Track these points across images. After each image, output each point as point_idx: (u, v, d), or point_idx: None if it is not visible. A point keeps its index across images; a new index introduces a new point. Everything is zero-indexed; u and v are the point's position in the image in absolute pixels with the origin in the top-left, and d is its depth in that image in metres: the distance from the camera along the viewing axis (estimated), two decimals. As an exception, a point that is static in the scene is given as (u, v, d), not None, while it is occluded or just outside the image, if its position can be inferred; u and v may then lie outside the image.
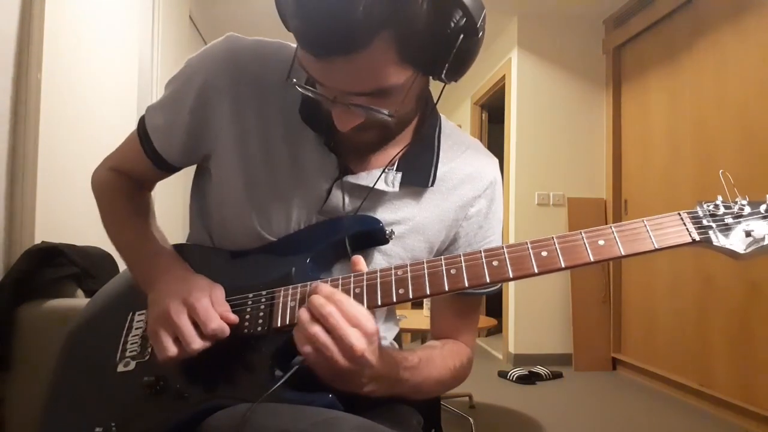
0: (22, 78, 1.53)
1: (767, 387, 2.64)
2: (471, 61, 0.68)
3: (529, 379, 3.58)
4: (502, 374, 3.72)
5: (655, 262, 3.53)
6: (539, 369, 3.71)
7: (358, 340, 0.62)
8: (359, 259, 0.71)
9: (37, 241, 1.55)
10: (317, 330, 0.62)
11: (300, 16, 0.61)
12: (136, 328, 0.81)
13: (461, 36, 0.63)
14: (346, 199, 0.79)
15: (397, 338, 1.00)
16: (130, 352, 0.79)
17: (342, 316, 0.63)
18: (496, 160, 0.91)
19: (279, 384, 0.66)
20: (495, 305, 4.38)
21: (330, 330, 0.62)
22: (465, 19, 0.62)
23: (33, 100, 1.55)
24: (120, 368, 0.78)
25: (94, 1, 2.03)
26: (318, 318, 0.63)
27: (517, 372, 3.65)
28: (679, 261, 3.29)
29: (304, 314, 0.64)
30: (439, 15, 0.62)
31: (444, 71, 0.66)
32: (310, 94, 0.68)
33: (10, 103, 1.51)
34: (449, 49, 0.64)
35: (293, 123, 0.78)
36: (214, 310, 0.71)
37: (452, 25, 0.62)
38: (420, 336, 3.13)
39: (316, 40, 0.61)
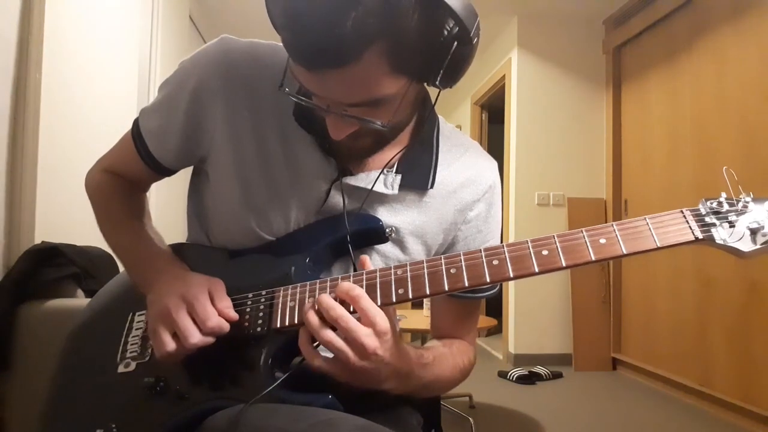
0: (22, 78, 1.53)
1: (767, 387, 2.64)
2: (465, 68, 0.67)
3: (529, 379, 3.58)
4: (502, 374, 3.71)
5: (655, 262, 3.53)
6: (539, 369, 3.71)
7: (371, 339, 0.63)
8: (366, 259, 0.71)
9: (37, 241, 1.54)
10: (331, 336, 0.64)
11: (289, 28, 0.60)
12: (137, 329, 0.81)
13: (455, 44, 0.62)
14: (345, 201, 0.78)
15: (397, 338, 1.00)
16: (130, 352, 0.79)
17: (352, 316, 0.64)
18: (495, 163, 0.90)
19: (274, 386, 0.66)
20: (495, 305, 4.38)
21: (343, 332, 0.63)
22: (458, 28, 0.61)
23: (33, 100, 1.55)
24: (120, 369, 0.78)
25: (94, 1, 2.03)
26: (330, 320, 0.64)
27: (517, 372, 3.65)
28: (679, 261, 3.28)
29: (311, 316, 0.65)
30: (431, 25, 0.60)
31: (438, 79, 0.65)
32: (303, 103, 0.67)
33: (10, 103, 1.51)
34: (442, 57, 0.63)
35: (288, 124, 0.78)
36: (216, 304, 0.71)
37: (445, 34, 0.61)
38: (420, 336, 3.13)
39: (306, 53, 0.60)
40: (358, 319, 0.64)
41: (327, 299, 0.65)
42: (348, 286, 0.66)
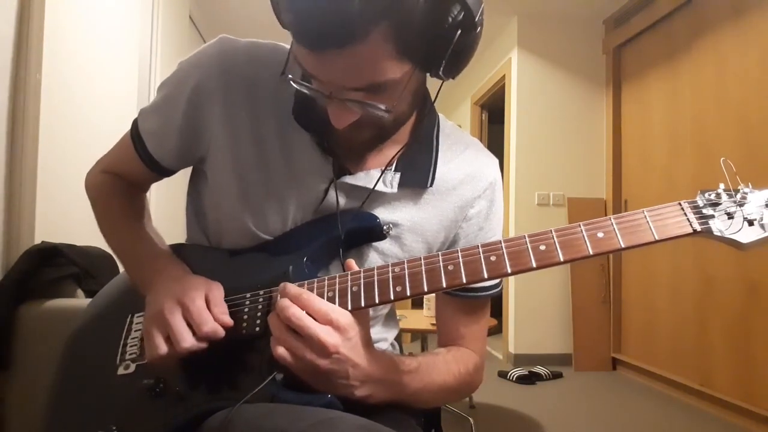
0: (22, 78, 1.53)
1: (767, 387, 2.64)
2: (469, 57, 0.67)
3: (529, 379, 3.58)
4: (502, 374, 3.71)
5: (655, 262, 3.53)
6: (539, 369, 3.70)
7: (329, 336, 0.62)
8: (352, 263, 0.71)
9: (37, 241, 1.54)
10: (286, 333, 0.63)
11: (294, 8, 0.59)
12: (136, 330, 0.81)
13: (459, 31, 0.62)
14: (344, 200, 0.78)
15: (398, 338, 1.00)
16: (129, 354, 0.79)
17: (308, 315, 0.63)
18: (496, 160, 0.90)
19: (264, 384, 0.66)
20: (495, 305, 4.35)
21: (299, 330, 0.62)
22: (463, 13, 0.61)
23: (33, 100, 1.55)
24: (120, 371, 0.78)
25: (94, 1, 2.03)
26: (284, 321, 0.63)
27: (517, 372, 3.65)
28: (679, 261, 3.28)
29: (273, 319, 0.65)
30: (438, 8, 0.60)
31: (442, 67, 0.65)
32: (305, 91, 0.67)
33: (9, 103, 1.50)
34: (447, 43, 0.63)
35: (287, 124, 0.78)
36: (211, 310, 0.70)
37: (450, 19, 0.61)
38: (420, 336, 3.13)
39: (311, 32, 0.59)
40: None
41: (282, 300, 0.64)
42: (295, 291, 0.65)
